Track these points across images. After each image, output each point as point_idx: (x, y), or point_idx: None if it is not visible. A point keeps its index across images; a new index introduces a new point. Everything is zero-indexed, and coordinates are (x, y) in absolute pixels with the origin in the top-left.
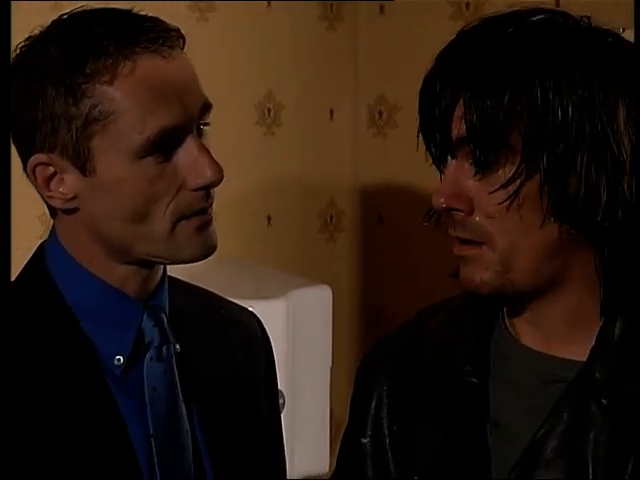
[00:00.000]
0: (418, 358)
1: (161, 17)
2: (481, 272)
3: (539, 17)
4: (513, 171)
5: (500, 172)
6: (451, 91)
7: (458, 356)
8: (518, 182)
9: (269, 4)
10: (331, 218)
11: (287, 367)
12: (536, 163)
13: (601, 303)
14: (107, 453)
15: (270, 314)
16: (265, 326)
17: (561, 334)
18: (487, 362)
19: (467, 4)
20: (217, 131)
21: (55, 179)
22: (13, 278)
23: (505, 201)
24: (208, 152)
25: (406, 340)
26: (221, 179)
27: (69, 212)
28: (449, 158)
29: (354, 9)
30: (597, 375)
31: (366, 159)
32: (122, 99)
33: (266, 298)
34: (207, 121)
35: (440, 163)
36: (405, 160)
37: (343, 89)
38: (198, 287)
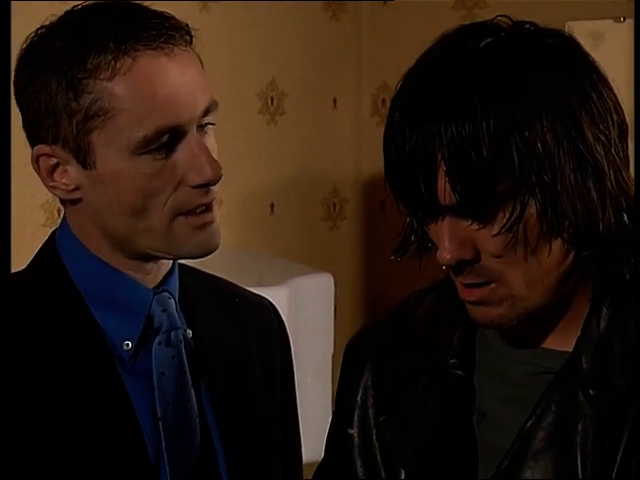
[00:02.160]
0: (403, 348)
1: (164, 8)
2: (496, 309)
3: (487, 41)
4: (511, 210)
5: (499, 215)
6: (426, 152)
7: (443, 348)
8: (519, 219)
9: None
10: (334, 206)
11: None
12: (530, 194)
13: (592, 297)
14: (115, 436)
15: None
16: None
17: (548, 326)
18: (473, 354)
19: None
20: (220, 120)
21: (59, 170)
22: (13, 266)
23: (511, 240)
24: (207, 150)
25: (390, 330)
26: (219, 178)
27: (73, 202)
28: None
29: None
30: (584, 365)
31: (369, 147)
32: (121, 96)
33: (268, 285)
34: (211, 121)
35: (424, 219)
36: None
37: (346, 78)
38: (212, 275)
